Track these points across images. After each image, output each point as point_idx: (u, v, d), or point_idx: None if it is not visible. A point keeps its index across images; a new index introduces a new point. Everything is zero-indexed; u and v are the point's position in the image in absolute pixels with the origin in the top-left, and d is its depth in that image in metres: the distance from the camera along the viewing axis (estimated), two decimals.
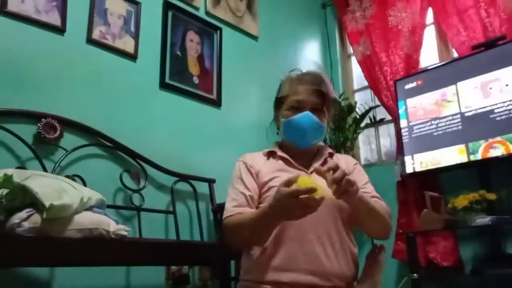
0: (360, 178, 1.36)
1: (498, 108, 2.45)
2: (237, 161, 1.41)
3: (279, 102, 1.41)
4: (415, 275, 2.33)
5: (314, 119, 1.31)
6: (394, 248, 2.84)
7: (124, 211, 2.15)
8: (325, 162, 1.37)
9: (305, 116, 1.31)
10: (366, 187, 1.34)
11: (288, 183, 1.06)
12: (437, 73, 2.80)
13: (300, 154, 1.38)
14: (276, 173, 1.32)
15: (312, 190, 1.01)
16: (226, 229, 1.26)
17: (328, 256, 1.20)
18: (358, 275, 1.30)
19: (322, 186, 1.05)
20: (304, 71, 1.41)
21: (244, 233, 1.22)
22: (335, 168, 1.08)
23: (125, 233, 1.45)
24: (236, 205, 1.28)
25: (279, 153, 1.38)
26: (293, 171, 1.31)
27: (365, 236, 2.89)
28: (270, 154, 1.41)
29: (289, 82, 1.38)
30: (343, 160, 1.42)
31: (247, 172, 1.35)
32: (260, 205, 1.29)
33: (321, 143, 1.48)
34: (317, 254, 1.19)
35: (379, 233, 1.32)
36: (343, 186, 1.07)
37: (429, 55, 3.21)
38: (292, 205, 1.04)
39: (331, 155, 1.42)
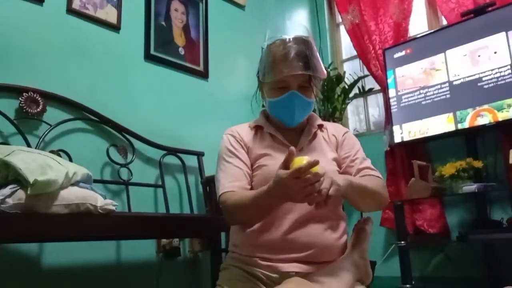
0: (350, 148, 1.33)
1: (486, 76, 2.44)
2: (225, 134, 1.35)
3: (263, 74, 1.30)
4: (402, 242, 2.37)
5: (302, 98, 1.24)
6: (382, 216, 2.88)
7: (112, 185, 2.14)
8: (314, 137, 1.33)
9: (292, 96, 1.23)
10: (356, 160, 1.30)
11: (285, 164, 1.00)
12: (426, 41, 2.78)
13: (285, 128, 1.33)
14: (266, 150, 1.28)
15: (313, 164, 0.96)
16: (225, 207, 1.21)
17: (318, 232, 1.19)
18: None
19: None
20: (287, 38, 1.26)
21: (245, 213, 1.17)
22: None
23: (113, 207, 1.44)
24: (232, 180, 1.22)
25: (266, 129, 1.33)
26: (281, 148, 1.28)
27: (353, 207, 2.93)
28: (257, 129, 1.35)
29: (273, 58, 1.25)
30: (332, 130, 1.38)
31: (238, 146, 1.30)
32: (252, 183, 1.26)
33: (311, 112, 1.41)
34: (306, 231, 1.18)
35: (374, 209, 1.30)
36: (322, 200, 1.00)
37: (418, 23, 3.17)
38: (294, 186, 0.97)
39: (320, 127, 1.37)
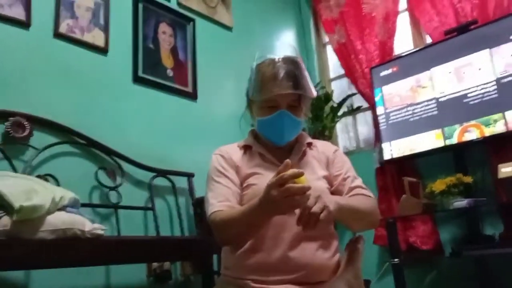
0: (341, 166, 1.32)
1: (472, 92, 2.48)
2: (214, 154, 1.34)
3: (252, 92, 1.31)
4: (396, 260, 2.35)
5: (291, 117, 1.24)
6: (375, 234, 2.86)
7: (101, 209, 2.10)
8: (303, 155, 1.33)
9: (282, 115, 1.23)
10: (347, 178, 1.29)
11: (278, 174, 0.99)
12: (412, 59, 2.82)
13: (274, 147, 1.32)
14: (255, 168, 1.27)
15: (297, 175, 0.96)
16: (214, 225, 1.19)
17: (310, 252, 1.17)
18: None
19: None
20: (276, 58, 1.28)
21: (233, 228, 1.15)
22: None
23: (102, 232, 1.41)
24: (222, 200, 1.21)
25: (255, 148, 1.33)
26: (271, 166, 1.27)
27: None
28: (246, 148, 1.35)
29: (262, 78, 1.26)
30: (321, 148, 1.38)
31: (227, 165, 1.29)
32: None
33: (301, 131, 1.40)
34: (298, 251, 1.15)
35: (366, 229, 1.32)
36: (312, 223, 0.99)
37: (403, 41, 3.23)
38: (278, 195, 0.97)
39: (309, 145, 1.37)
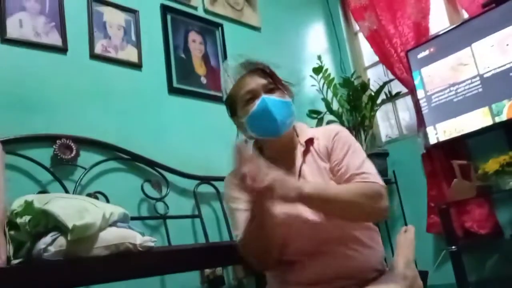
0: (336, 154, 1.21)
1: None
2: (225, 181, 1.36)
3: (232, 109, 1.31)
4: (453, 247, 2.26)
5: (274, 99, 1.19)
6: (427, 222, 2.77)
7: (150, 221, 2.15)
8: (305, 159, 1.24)
9: (264, 101, 1.18)
10: (342, 166, 1.18)
11: None
12: (450, 38, 2.70)
13: (280, 152, 1.26)
14: None
15: None
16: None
17: (350, 254, 1.15)
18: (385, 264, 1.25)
19: None
20: (232, 64, 1.30)
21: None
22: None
23: (152, 244, 1.43)
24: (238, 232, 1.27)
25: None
26: None
27: (396, 215, 2.84)
28: None
29: (228, 83, 1.27)
30: (322, 137, 1.26)
31: (238, 193, 1.25)
32: None
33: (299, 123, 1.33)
34: (328, 260, 1.14)
35: (358, 219, 1.18)
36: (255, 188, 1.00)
37: (439, 20, 3.10)
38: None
39: (310, 141, 1.25)
